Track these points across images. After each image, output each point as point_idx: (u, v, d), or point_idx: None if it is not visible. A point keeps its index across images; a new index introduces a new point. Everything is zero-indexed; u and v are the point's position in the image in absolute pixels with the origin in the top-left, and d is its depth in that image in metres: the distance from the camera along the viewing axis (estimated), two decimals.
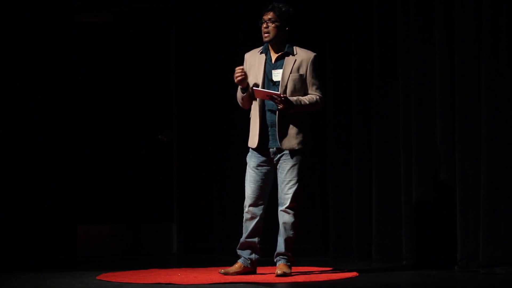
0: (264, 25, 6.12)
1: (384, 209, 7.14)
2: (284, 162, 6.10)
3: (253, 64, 6.19)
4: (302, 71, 6.12)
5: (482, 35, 6.20)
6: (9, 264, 7.38)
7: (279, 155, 6.12)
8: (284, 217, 6.13)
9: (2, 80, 7.87)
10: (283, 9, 6.12)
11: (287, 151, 6.08)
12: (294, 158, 6.09)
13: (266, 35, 6.12)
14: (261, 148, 6.14)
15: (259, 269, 6.36)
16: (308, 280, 5.98)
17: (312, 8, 7.92)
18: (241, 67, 6.07)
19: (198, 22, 8.10)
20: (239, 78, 6.05)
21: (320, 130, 7.85)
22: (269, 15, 6.12)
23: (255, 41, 6.26)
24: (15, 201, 7.85)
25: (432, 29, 6.67)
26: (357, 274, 6.23)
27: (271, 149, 6.12)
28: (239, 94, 6.18)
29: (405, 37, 6.93)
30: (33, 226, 7.84)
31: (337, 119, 7.69)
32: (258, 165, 6.15)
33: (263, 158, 6.15)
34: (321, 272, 6.40)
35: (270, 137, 6.12)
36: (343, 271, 6.42)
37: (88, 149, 8.14)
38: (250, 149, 6.21)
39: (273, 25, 6.11)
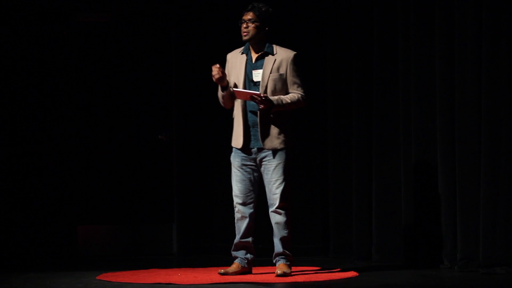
0: (244, 25, 6.13)
1: (384, 209, 7.14)
2: (268, 162, 6.12)
3: (235, 65, 6.22)
4: (282, 71, 6.14)
5: (482, 35, 6.21)
6: (9, 264, 7.38)
7: (261, 155, 6.13)
8: (276, 218, 6.14)
9: (1, 80, 7.88)
10: (263, 9, 6.14)
11: (269, 151, 6.10)
12: (278, 158, 6.10)
13: (243, 33, 6.14)
14: (245, 148, 6.15)
15: (259, 269, 6.37)
16: (308, 280, 5.98)
17: (312, 8, 7.92)
18: (217, 65, 6.08)
19: (198, 22, 8.09)
20: (217, 76, 6.07)
21: (320, 130, 7.86)
22: (248, 15, 6.13)
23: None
24: (15, 201, 7.85)
25: (432, 29, 6.67)
26: (357, 274, 6.23)
27: (253, 149, 6.14)
28: (219, 93, 6.20)
29: (405, 37, 6.93)
30: (33, 226, 7.84)
31: (337, 119, 7.68)
32: (243, 165, 6.18)
33: (247, 157, 6.17)
34: (321, 272, 6.40)
35: (252, 137, 6.14)
36: (343, 271, 6.42)
37: (88, 149, 8.13)
38: (234, 149, 6.23)
39: (253, 25, 6.12)
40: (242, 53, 6.22)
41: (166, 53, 8.21)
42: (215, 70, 6.07)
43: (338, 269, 6.51)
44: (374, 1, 7.25)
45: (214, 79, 6.10)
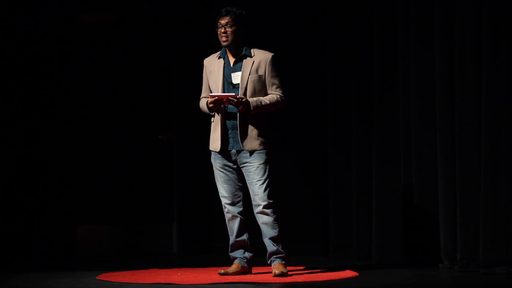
0: (222, 30, 6.13)
1: (384, 209, 7.14)
2: (249, 163, 6.13)
3: (212, 70, 6.24)
4: (261, 72, 6.15)
5: (482, 35, 6.21)
6: (9, 264, 7.38)
7: (241, 156, 6.14)
8: (263, 218, 6.14)
9: (2, 80, 7.88)
10: (237, 12, 6.15)
11: (248, 153, 6.11)
12: (258, 158, 6.11)
13: (224, 39, 6.14)
14: (223, 150, 6.16)
15: (258, 269, 6.37)
16: (308, 280, 5.98)
17: (312, 8, 7.92)
18: (214, 98, 6.03)
19: (198, 22, 8.09)
20: (218, 105, 6.06)
21: (320, 130, 7.86)
22: (226, 19, 6.13)
23: (254, 41, 6.26)
24: (15, 201, 7.85)
25: (432, 29, 6.66)
26: (357, 274, 6.23)
27: (231, 151, 6.15)
28: (205, 110, 6.20)
29: (405, 38, 6.93)
30: (33, 226, 7.84)
31: (337, 119, 7.69)
32: (225, 165, 6.20)
33: (227, 159, 6.18)
34: (321, 272, 6.40)
35: (230, 139, 6.15)
36: (342, 271, 6.42)
37: (88, 149, 8.13)
38: (212, 152, 6.24)
39: (231, 29, 6.13)
40: (219, 58, 6.24)
41: (166, 53, 8.21)
42: (212, 101, 6.04)
43: (338, 269, 6.50)
44: (374, 2, 7.25)
45: (213, 107, 6.09)
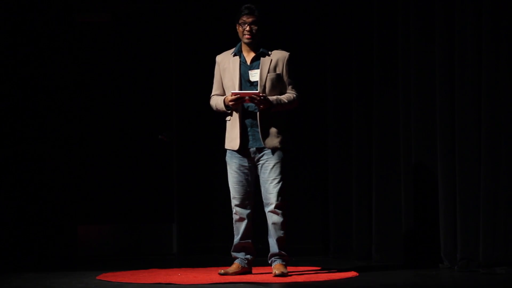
0: (247, 28, 6.13)
1: (384, 209, 7.14)
2: (267, 161, 6.12)
3: (227, 67, 6.22)
4: (278, 70, 6.16)
5: (482, 35, 6.21)
6: (9, 264, 7.38)
7: (259, 155, 6.13)
8: (273, 218, 6.14)
9: (1, 80, 7.88)
10: (259, 11, 6.17)
11: (268, 150, 6.11)
12: (276, 157, 6.11)
13: (249, 36, 6.13)
14: (241, 149, 6.15)
15: (259, 269, 6.37)
16: (308, 280, 5.98)
17: (312, 8, 7.93)
18: (236, 96, 6.02)
19: (198, 22, 8.10)
20: (239, 104, 6.05)
21: (320, 130, 7.86)
22: (251, 18, 6.13)
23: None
24: (15, 201, 7.85)
25: (432, 29, 6.67)
26: (357, 274, 6.23)
27: (251, 149, 6.14)
28: (222, 108, 6.17)
29: (405, 37, 6.93)
30: (33, 226, 7.84)
31: (337, 119, 7.69)
32: (241, 165, 6.18)
33: (244, 159, 6.17)
34: (321, 272, 6.40)
35: (250, 137, 6.14)
36: (343, 271, 6.42)
37: (88, 149, 8.14)
38: (229, 150, 6.22)
39: (256, 27, 6.14)
40: (235, 55, 6.22)
41: (166, 53, 8.21)
42: (234, 99, 6.01)
43: (338, 269, 6.51)
44: (374, 1, 7.25)
45: (231, 105, 6.06)
